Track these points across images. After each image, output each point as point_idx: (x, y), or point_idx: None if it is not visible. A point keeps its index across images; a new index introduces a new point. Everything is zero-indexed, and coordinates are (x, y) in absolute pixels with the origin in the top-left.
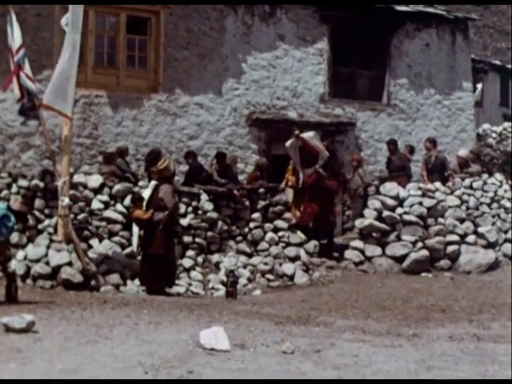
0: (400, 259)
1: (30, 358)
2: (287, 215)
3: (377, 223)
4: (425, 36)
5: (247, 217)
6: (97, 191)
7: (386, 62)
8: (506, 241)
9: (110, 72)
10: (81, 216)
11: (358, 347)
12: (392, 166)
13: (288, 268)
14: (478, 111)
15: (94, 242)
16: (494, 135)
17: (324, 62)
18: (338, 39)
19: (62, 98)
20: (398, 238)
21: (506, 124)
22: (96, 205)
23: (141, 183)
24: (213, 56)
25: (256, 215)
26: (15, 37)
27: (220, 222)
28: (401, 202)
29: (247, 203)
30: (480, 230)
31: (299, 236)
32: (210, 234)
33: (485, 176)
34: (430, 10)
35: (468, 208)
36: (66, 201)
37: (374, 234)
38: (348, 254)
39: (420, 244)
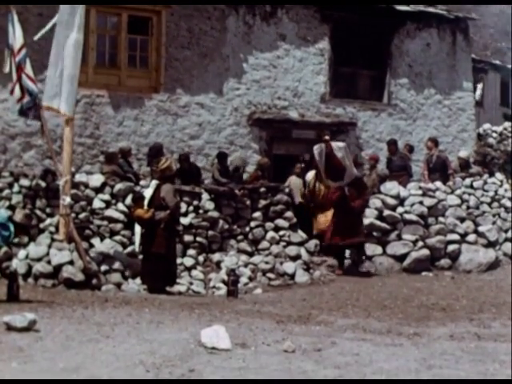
0: (401, 258)
1: (31, 356)
2: (288, 214)
3: (377, 222)
4: (425, 36)
5: (248, 216)
6: (98, 190)
7: (386, 61)
8: (506, 240)
9: (112, 72)
10: (82, 215)
11: (359, 346)
12: (393, 165)
13: (289, 267)
14: (478, 111)
15: (96, 240)
16: (494, 135)
17: (325, 62)
18: (338, 39)
19: (62, 96)
20: (399, 237)
21: (507, 124)
22: (97, 204)
23: (142, 182)
24: (214, 56)
25: (257, 214)
26: (16, 36)
27: (221, 221)
28: (401, 201)
29: (248, 202)
30: (480, 229)
31: (300, 235)
32: (211, 233)
33: (485, 175)
34: (431, 9)
35: (468, 207)
36: (68, 200)
37: (375, 233)
38: (349, 252)
39: (420, 243)
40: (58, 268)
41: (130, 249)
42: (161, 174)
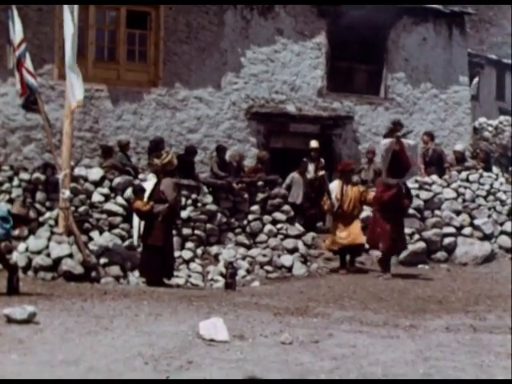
0: None
1: (31, 348)
2: (285, 208)
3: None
4: (422, 30)
5: (246, 209)
6: (97, 184)
7: (383, 56)
8: (501, 233)
9: (111, 66)
10: (81, 208)
11: (356, 338)
12: None
13: (286, 260)
14: (474, 105)
15: (95, 234)
16: (490, 129)
17: (322, 56)
18: (336, 33)
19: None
20: None
21: (502, 118)
22: (96, 197)
23: (141, 176)
24: (212, 50)
25: (255, 208)
26: (16, 31)
27: (219, 215)
28: None
29: (246, 196)
30: (476, 222)
31: (297, 228)
32: (209, 226)
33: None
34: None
35: (464, 200)
36: (67, 193)
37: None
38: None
39: (417, 236)
40: (57, 261)
41: (128, 242)
42: (162, 168)
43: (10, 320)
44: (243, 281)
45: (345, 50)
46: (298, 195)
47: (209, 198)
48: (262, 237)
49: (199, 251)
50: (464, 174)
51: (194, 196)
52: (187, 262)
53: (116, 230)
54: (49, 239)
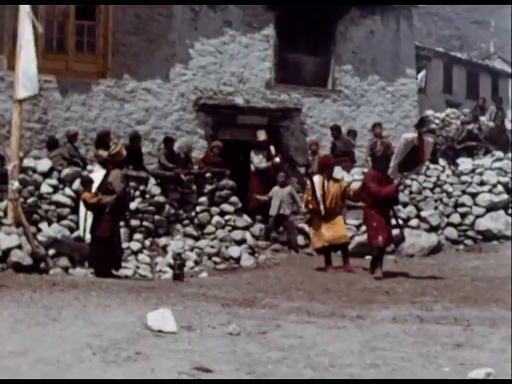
0: None
1: None
2: (233, 199)
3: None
4: (369, 23)
5: (194, 201)
6: (46, 175)
7: (331, 48)
8: (448, 224)
9: (59, 57)
10: (30, 200)
11: (303, 329)
12: (336, 151)
13: (234, 251)
14: (421, 98)
15: (44, 225)
16: (437, 121)
17: (270, 48)
18: (284, 25)
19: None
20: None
21: (449, 110)
22: (45, 189)
23: (89, 167)
24: (160, 42)
25: (203, 199)
26: None
27: (167, 206)
28: None
29: (194, 187)
30: (423, 213)
31: (245, 219)
32: (157, 217)
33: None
34: None
35: (411, 192)
36: (16, 185)
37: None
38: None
39: (364, 227)
40: (6, 252)
41: (77, 233)
42: (111, 159)
43: None
44: (191, 272)
45: (293, 42)
46: (274, 207)
47: (157, 190)
48: (209, 228)
49: (147, 242)
50: None
51: (142, 187)
52: (135, 253)
53: (64, 222)
54: None
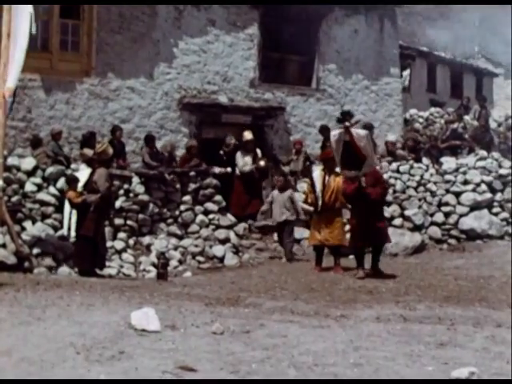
0: None
1: None
2: (217, 198)
3: (306, 206)
4: (353, 22)
5: (178, 199)
6: (30, 174)
7: (315, 47)
8: (432, 224)
9: (44, 56)
10: (14, 198)
11: (287, 328)
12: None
13: (218, 250)
14: (405, 97)
15: (28, 224)
16: (420, 120)
17: (254, 48)
18: (268, 25)
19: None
20: None
21: (433, 109)
22: (29, 187)
23: (73, 166)
24: (145, 40)
25: (187, 198)
26: None
27: (151, 205)
28: None
29: (178, 186)
30: (407, 212)
31: (229, 218)
32: (141, 216)
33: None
34: None
35: (395, 191)
36: (0, 183)
37: (303, 217)
38: (277, 236)
39: (347, 226)
40: None
41: (61, 232)
42: (97, 158)
43: None
44: (175, 271)
45: (277, 41)
46: (277, 213)
47: (141, 188)
48: (193, 227)
49: (131, 241)
50: (395, 165)
51: (125, 186)
52: (119, 252)
53: (49, 220)
54: None
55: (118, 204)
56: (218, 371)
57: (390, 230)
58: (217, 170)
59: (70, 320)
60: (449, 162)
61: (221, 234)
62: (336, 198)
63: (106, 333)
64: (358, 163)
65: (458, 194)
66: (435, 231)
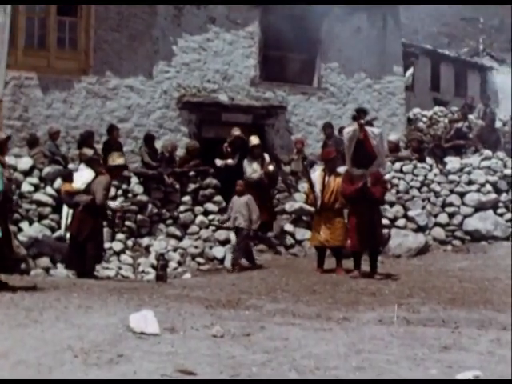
0: None
1: None
2: (217, 198)
3: (307, 207)
4: (356, 20)
5: (177, 200)
6: (27, 174)
7: (316, 45)
8: (435, 225)
9: (41, 54)
10: None
11: (288, 330)
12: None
13: (218, 251)
14: (408, 95)
15: (24, 224)
16: (424, 119)
17: (255, 46)
18: (268, 22)
19: None
20: None
21: (437, 108)
22: (26, 187)
23: (71, 166)
24: (143, 38)
25: (186, 198)
26: None
27: (150, 205)
28: None
29: (177, 186)
30: (410, 213)
31: None
32: (140, 217)
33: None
34: None
35: (398, 192)
36: None
37: (304, 218)
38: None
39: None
40: None
41: (58, 233)
42: (108, 168)
43: None
44: (174, 273)
45: (278, 39)
46: (232, 218)
47: (139, 189)
48: (193, 228)
49: (130, 243)
50: (398, 165)
51: (124, 186)
52: (118, 253)
53: (46, 221)
54: None
55: (116, 204)
56: (218, 374)
57: (394, 231)
58: (219, 162)
59: (68, 322)
60: (453, 162)
61: (221, 234)
62: (336, 198)
63: (105, 336)
64: (367, 162)
65: (462, 195)
66: (439, 232)
